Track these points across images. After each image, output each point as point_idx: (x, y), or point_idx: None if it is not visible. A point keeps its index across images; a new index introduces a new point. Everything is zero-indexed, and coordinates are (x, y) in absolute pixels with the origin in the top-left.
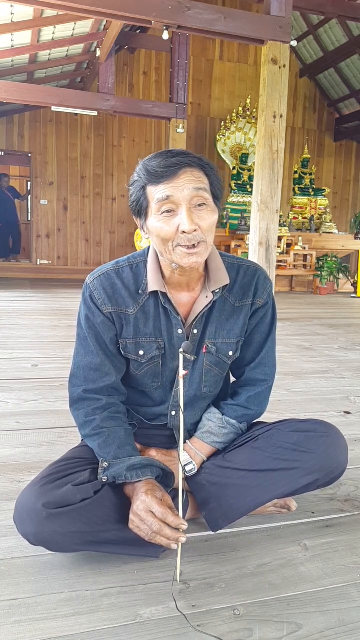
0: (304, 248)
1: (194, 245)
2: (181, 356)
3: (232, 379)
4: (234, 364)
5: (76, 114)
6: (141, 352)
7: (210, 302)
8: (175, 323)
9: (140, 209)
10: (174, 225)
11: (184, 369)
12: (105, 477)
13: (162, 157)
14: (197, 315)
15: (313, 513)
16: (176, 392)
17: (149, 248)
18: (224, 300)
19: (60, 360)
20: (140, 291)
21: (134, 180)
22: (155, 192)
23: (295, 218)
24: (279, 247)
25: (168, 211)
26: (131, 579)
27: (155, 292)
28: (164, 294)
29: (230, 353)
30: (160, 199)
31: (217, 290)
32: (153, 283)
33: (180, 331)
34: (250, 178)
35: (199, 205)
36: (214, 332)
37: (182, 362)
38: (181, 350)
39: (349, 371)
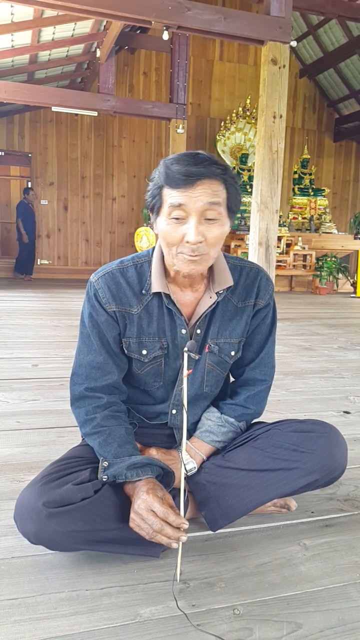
0: (304, 248)
1: (196, 254)
2: (185, 355)
3: (231, 379)
4: (234, 364)
5: (76, 114)
6: (144, 352)
7: (214, 303)
8: (179, 323)
9: (154, 206)
10: (180, 233)
11: (188, 368)
12: (106, 476)
13: (184, 162)
14: (201, 316)
15: (312, 512)
16: (178, 391)
17: (153, 248)
18: (226, 300)
19: (61, 360)
20: (143, 291)
21: (153, 176)
22: (169, 196)
23: (294, 218)
24: (278, 247)
25: (177, 218)
26: (131, 578)
27: (158, 293)
28: (167, 295)
29: (232, 353)
30: (172, 204)
31: (221, 292)
32: (156, 284)
33: (184, 331)
34: (250, 178)
35: (210, 218)
36: (216, 332)
37: (186, 361)
38: (186, 349)
39: (349, 371)
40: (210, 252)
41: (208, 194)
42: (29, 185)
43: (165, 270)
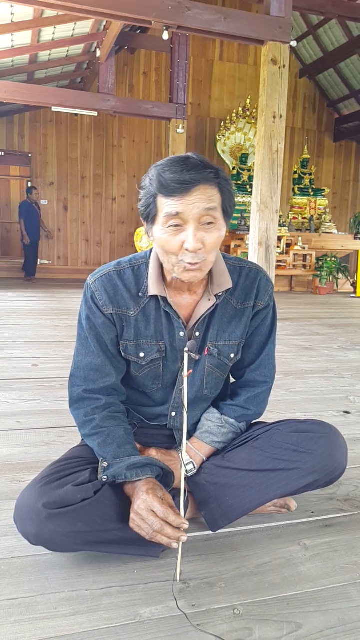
0: (304, 248)
1: (196, 262)
2: (186, 355)
3: (232, 380)
4: (234, 366)
5: (76, 114)
6: (142, 354)
7: (213, 305)
8: (177, 326)
9: (149, 216)
10: (179, 241)
11: (188, 368)
12: (105, 477)
13: (177, 169)
14: (199, 318)
15: (313, 512)
16: (177, 394)
17: (151, 250)
18: (226, 302)
19: (61, 360)
20: (140, 294)
21: (145, 184)
22: (165, 205)
23: (294, 218)
24: (278, 247)
25: (175, 225)
26: (131, 578)
27: (155, 296)
28: (164, 298)
29: (232, 355)
30: (168, 214)
31: (221, 294)
32: (153, 287)
33: (182, 334)
34: (250, 178)
35: (207, 223)
36: (215, 335)
37: (186, 362)
38: (186, 349)
39: (349, 371)
40: (209, 257)
41: (204, 200)
42: (30, 185)
43: (162, 273)
